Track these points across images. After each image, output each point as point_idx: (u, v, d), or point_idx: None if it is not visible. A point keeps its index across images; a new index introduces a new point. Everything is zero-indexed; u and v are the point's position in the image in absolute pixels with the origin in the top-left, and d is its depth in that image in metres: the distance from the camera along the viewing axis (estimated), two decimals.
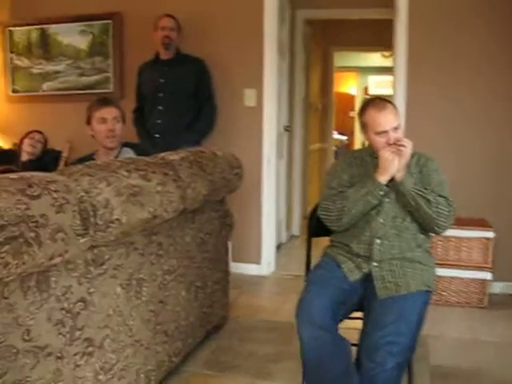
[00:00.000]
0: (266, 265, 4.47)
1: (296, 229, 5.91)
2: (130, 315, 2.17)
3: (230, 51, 4.37)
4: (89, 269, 1.87)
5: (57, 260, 1.58)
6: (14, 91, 4.96)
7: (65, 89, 4.78)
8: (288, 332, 3.22)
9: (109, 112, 3.00)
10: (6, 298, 1.52)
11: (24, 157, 4.33)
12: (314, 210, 2.60)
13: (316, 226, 2.60)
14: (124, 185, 1.93)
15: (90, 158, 3.08)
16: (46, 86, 4.84)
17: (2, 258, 1.35)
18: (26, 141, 4.37)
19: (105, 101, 3.10)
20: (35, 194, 1.52)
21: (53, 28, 4.80)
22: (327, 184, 2.46)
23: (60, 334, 1.75)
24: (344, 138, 11.46)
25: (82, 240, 1.68)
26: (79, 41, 4.72)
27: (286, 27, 5.00)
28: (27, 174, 1.62)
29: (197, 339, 2.89)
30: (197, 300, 2.82)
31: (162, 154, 2.50)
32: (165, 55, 4.16)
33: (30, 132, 4.42)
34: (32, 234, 1.45)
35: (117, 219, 1.84)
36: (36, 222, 1.47)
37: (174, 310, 2.56)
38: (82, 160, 3.00)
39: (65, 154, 4.48)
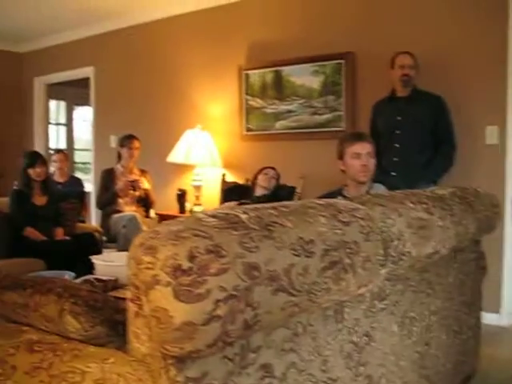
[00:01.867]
0: (505, 315, 4.10)
1: None
2: (401, 355, 2.06)
3: (470, 87, 4.17)
4: (373, 302, 1.80)
5: (362, 290, 1.53)
6: (247, 130, 5.21)
7: (297, 127, 4.90)
8: None
9: (363, 147, 2.98)
10: (311, 325, 1.49)
11: (258, 192, 4.50)
12: None
13: None
14: (412, 217, 1.84)
15: (338, 192, 3.07)
16: (278, 124, 5.01)
17: (326, 282, 1.32)
18: (260, 176, 4.54)
19: (358, 136, 3.08)
20: (345, 220, 1.48)
21: (286, 69, 4.98)
22: None
23: (347, 367, 1.69)
24: None
25: (382, 271, 1.61)
26: (312, 81, 4.84)
27: None
28: (330, 201, 1.60)
29: None
30: (454, 346, 2.62)
31: (431, 188, 2.39)
32: (402, 92, 4.08)
33: (264, 168, 4.59)
34: (348, 261, 1.41)
35: (408, 252, 1.76)
36: (350, 248, 1.43)
37: (435, 354, 2.40)
38: (330, 195, 3.00)
39: (298, 190, 4.56)
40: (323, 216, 1.42)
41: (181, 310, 1.02)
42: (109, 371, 1.26)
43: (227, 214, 1.23)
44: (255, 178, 4.58)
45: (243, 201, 4.37)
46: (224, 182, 5.10)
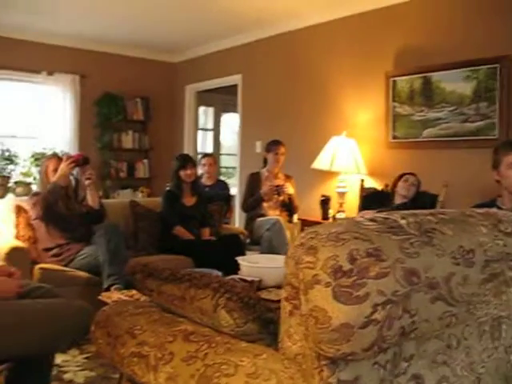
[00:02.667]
0: None
1: None
2: None
3: None
4: None
5: None
6: (394, 138, 5.11)
7: (445, 135, 4.72)
8: None
9: None
10: (465, 339, 1.43)
11: (397, 199, 4.38)
12: None
13: None
14: None
15: (491, 204, 2.93)
16: (426, 132, 4.86)
17: (486, 295, 1.27)
18: (400, 184, 4.40)
19: None
20: (507, 230, 1.41)
21: (436, 75, 4.82)
22: None
23: None
24: None
25: None
26: (463, 87, 4.64)
27: None
28: (490, 210, 1.53)
29: None
30: None
31: None
32: None
33: (404, 174, 4.45)
34: (510, 274, 1.34)
35: None
36: None
37: None
38: (482, 206, 2.86)
39: (441, 199, 4.39)
40: (483, 225, 1.36)
41: (339, 311, 1.03)
42: (261, 367, 1.30)
43: (386, 218, 1.22)
44: (394, 185, 4.45)
45: (381, 209, 4.26)
46: (363, 188, 5.02)
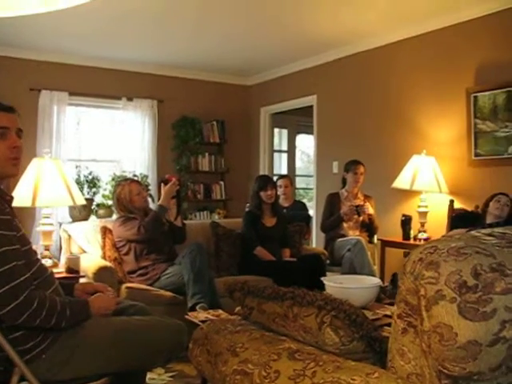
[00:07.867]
0: None
1: None
2: None
3: None
4: None
5: None
6: (476, 155, 4.96)
7: None
8: None
9: None
10: None
11: (489, 219, 4.28)
12: None
13: None
14: None
15: None
16: (511, 149, 4.71)
17: None
18: (492, 204, 4.33)
19: None
20: None
21: None
22: None
23: None
24: None
25: None
26: None
27: None
28: None
29: None
30: None
31: None
32: None
33: (496, 194, 4.36)
34: None
35: None
36: None
37: None
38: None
39: None
40: None
41: (466, 327, 1.00)
42: None
43: (503, 233, 1.19)
44: (486, 205, 4.35)
45: (471, 228, 4.15)
46: (452, 208, 4.90)
